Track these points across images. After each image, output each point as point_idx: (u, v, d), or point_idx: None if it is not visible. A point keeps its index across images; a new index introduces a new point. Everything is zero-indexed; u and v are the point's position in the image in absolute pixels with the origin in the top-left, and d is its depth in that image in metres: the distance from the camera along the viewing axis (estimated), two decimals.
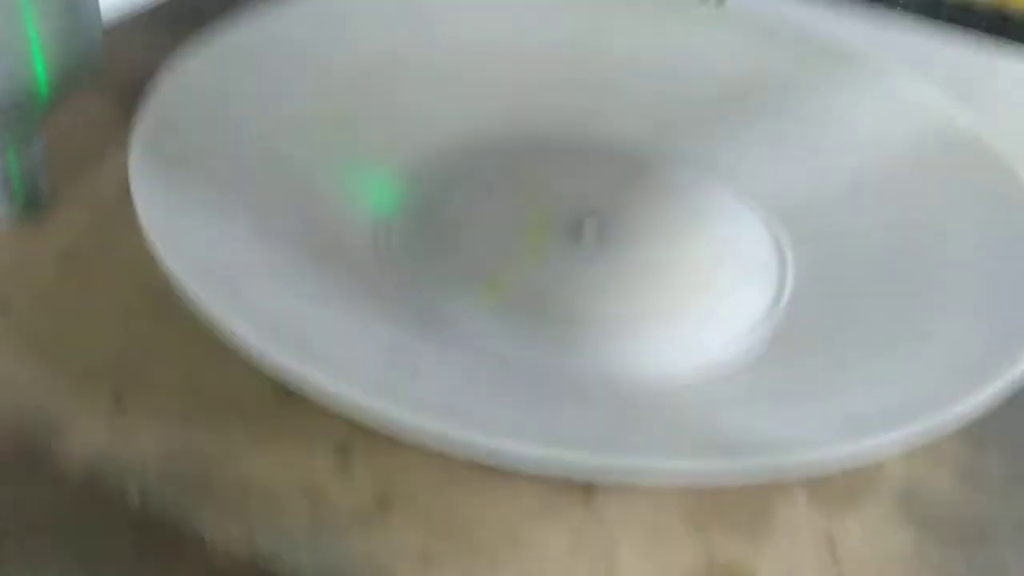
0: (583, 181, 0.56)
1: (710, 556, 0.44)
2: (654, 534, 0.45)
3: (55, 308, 0.53)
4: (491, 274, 0.51)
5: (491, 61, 0.60)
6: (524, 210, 0.54)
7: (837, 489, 0.48)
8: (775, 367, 0.48)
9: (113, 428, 0.47)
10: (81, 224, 0.58)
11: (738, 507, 0.46)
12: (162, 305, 0.53)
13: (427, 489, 0.46)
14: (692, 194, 0.57)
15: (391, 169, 0.54)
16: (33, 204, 0.57)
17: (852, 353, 0.47)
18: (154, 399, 0.48)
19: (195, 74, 0.51)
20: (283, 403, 0.48)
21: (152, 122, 0.49)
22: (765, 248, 0.53)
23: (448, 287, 0.49)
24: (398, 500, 0.45)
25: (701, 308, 0.50)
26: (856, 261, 0.51)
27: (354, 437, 0.47)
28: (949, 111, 0.55)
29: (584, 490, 0.46)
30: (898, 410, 0.43)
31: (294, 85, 0.56)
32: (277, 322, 0.41)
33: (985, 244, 0.49)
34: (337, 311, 0.45)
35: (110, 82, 0.70)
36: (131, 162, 0.47)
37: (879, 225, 0.52)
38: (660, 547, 0.44)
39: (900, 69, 0.58)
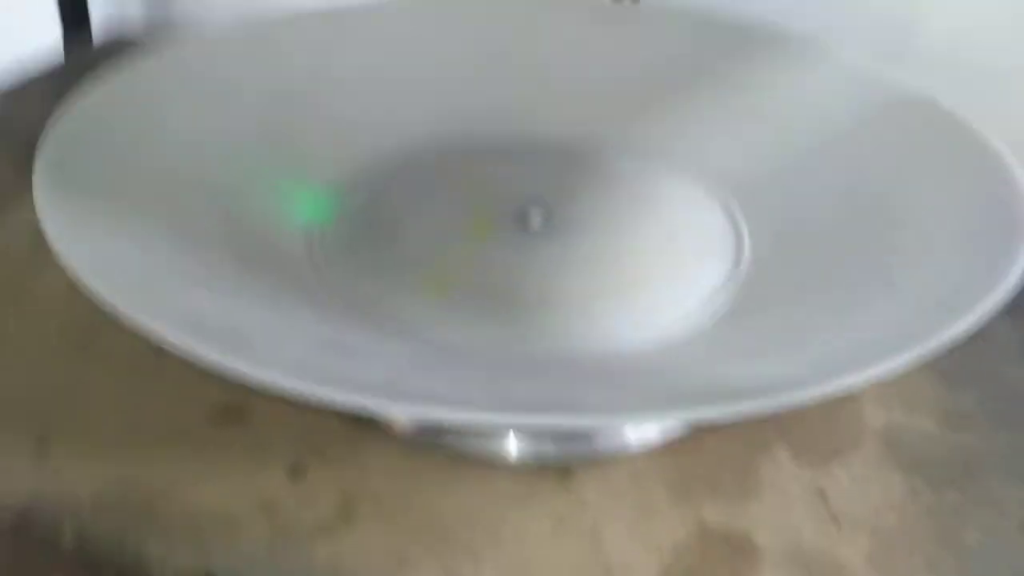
0: (523, 175, 0.55)
1: (700, 524, 0.42)
2: (639, 509, 0.42)
3: None
4: (434, 266, 0.48)
5: (415, 68, 0.58)
6: (465, 205, 0.52)
7: (820, 443, 0.46)
8: (738, 328, 0.46)
9: (39, 469, 0.43)
10: None
11: (721, 472, 0.44)
12: (82, 344, 0.50)
13: (392, 492, 0.43)
14: (637, 180, 0.56)
15: (320, 180, 0.52)
16: None
17: (817, 308, 0.46)
18: (81, 437, 0.44)
19: (99, 104, 0.48)
20: (220, 428, 0.45)
21: (56, 147, 0.46)
22: (719, 223, 0.52)
23: (388, 282, 0.47)
24: (362, 506, 0.42)
25: (658, 282, 0.49)
26: (814, 226, 0.50)
27: (306, 452, 0.44)
28: (883, 74, 0.55)
29: (560, 473, 0.44)
30: (868, 348, 0.42)
31: (211, 109, 0.53)
32: (202, 319, 0.38)
33: (941, 194, 0.49)
34: (268, 312, 0.42)
35: (5, 143, 0.68)
36: (36, 183, 0.44)
37: (834, 190, 0.51)
38: (647, 522, 0.42)
39: (821, 42, 0.58)
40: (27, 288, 0.54)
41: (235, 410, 0.46)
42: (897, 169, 0.52)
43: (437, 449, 0.44)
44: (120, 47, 0.85)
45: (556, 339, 0.45)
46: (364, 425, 0.45)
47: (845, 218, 0.50)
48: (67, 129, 0.47)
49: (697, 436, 0.46)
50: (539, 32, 0.62)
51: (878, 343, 0.41)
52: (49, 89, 0.75)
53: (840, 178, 0.52)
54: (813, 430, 0.47)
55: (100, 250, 0.42)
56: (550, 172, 0.55)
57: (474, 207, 0.52)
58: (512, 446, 0.44)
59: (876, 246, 0.48)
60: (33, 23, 0.80)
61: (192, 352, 0.34)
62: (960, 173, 0.49)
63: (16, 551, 0.41)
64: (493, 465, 0.44)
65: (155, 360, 0.49)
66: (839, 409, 0.48)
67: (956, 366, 0.50)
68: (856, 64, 0.57)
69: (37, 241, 0.56)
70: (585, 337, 0.45)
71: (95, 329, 0.51)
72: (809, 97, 0.57)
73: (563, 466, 0.44)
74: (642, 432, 0.45)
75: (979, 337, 0.40)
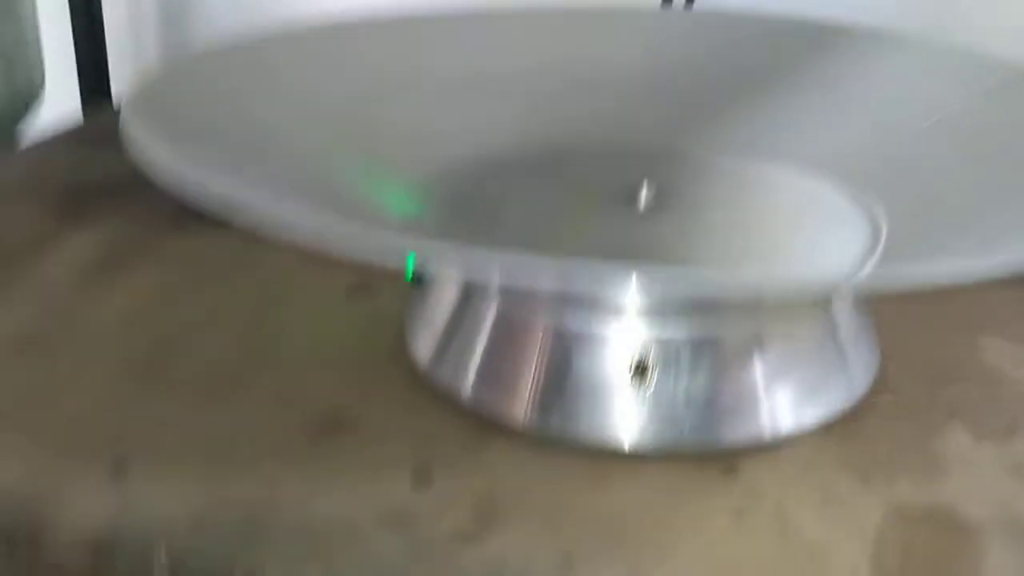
0: (622, 170, 0.50)
1: (897, 505, 0.36)
2: (822, 494, 0.37)
3: (28, 389, 0.43)
4: (539, 237, 0.44)
5: (495, 80, 0.55)
6: (566, 192, 0.48)
7: (994, 421, 0.41)
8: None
9: (118, 494, 0.36)
10: (33, 311, 0.49)
11: (900, 453, 0.39)
12: (147, 368, 0.44)
13: (533, 491, 0.36)
14: (746, 170, 0.51)
15: (407, 177, 0.48)
16: None
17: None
18: (162, 458, 0.38)
19: (175, 84, 0.44)
20: (321, 440, 0.39)
21: (137, 107, 0.41)
22: (844, 202, 0.47)
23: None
24: (501, 509, 0.36)
25: (798, 246, 0.44)
26: (947, 199, 0.45)
27: (426, 458, 0.38)
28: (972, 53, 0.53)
29: (724, 463, 0.38)
30: None
31: (291, 105, 0.49)
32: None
33: None
34: None
35: (38, 192, 0.63)
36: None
37: (954, 164, 0.47)
38: (837, 506, 0.36)
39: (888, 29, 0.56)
40: (75, 321, 0.48)
41: (335, 422, 0.40)
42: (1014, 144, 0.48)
43: (565, 442, 0.38)
44: None
45: None
46: (483, 426, 0.40)
47: (974, 185, 0.46)
48: (148, 94, 0.42)
49: (858, 419, 0.41)
50: (606, 39, 0.59)
51: None
52: (73, 145, 0.71)
53: (961, 156, 0.48)
54: (982, 410, 0.42)
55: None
56: (651, 168, 0.51)
57: (577, 192, 0.47)
58: (649, 434, 0.38)
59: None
60: (54, 87, 0.76)
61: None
62: None
63: None
64: (633, 457, 0.38)
65: (232, 382, 0.43)
66: (1005, 389, 0.43)
67: None
68: (938, 47, 0.55)
69: (86, 275, 0.51)
70: None
71: (157, 356, 0.45)
72: (904, 85, 0.54)
73: (726, 457, 0.38)
74: (800, 417, 0.40)
75: None
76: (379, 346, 0.46)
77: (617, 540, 0.34)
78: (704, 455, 0.38)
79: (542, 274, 0.32)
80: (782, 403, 0.39)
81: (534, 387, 0.40)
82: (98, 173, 0.67)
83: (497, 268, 0.35)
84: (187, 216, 0.60)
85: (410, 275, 0.45)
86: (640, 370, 0.38)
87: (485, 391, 0.41)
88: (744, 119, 0.54)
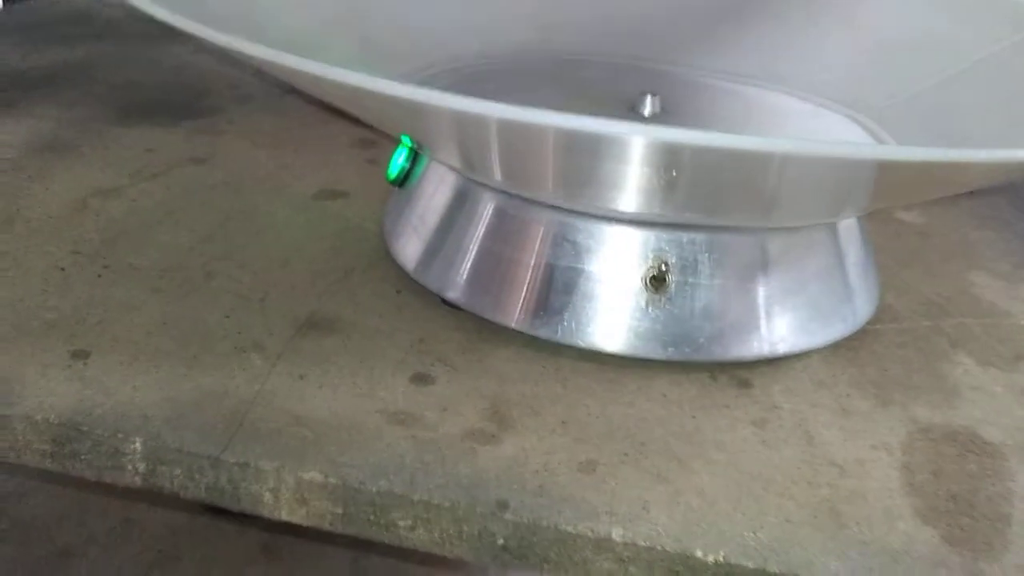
0: (626, 79, 0.48)
1: (918, 423, 0.35)
2: (841, 411, 0.35)
3: None
4: None
5: None
6: (569, 97, 0.45)
7: (997, 350, 0.40)
8: None
9: (83, 380, 0.32)
10: None
11: (910, 375, 0.38)
12: (97, 261, 0.39)
13: (546, 396, 0.34)
14: (759, 93, 0.49)
15: (409, 72, 0.44)
16: None
17: None
18: (129, 345, 0.34)
19: None
20: (302, 339, 0.36)
21: None
22: (852, 131, 0.46)
23: None
24: (515, 413, 0.33)
25: None
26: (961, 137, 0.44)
27: (427, 362, 0.35)
28: None
29: (737, 377, 0.36)
30: None
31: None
32: None
33: None
34: None
35: None
36: None
37: (981, 107, 0.46)
38: (860, 423, 0.35)
39: None
40: (23, 206, 0.43)
41: (318, 321, 0.37)
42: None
43: (569, 349, 0.36)
44: None
45: None
46: (480, 329, 0.37)
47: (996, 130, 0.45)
48: None
49: (865, 344, 0.39)
50: None
51: None
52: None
53: (984, 97, 0.47)
54: (984, 341, 0.41)
55: None
56: (655, 80, 0.49)
57: (579, 98, 0.45)
58: (662, 343, 0.36)
59: None
60: None
61: None
62: None
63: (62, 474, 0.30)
64: (642, 365, 0.36)
65: (199, 274, 0.39)
66: (1000, 323, 0.43)
67: None
68: None
69: (25, 163, 0.46)
70: None
71: (112, 245, 0.41)
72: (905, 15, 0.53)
73: (720, 367, 0.36)
74: (810, 335, 0.38)
75: None
76: (356, 248, 0.43)
77: (640, 449, 0.32)
78: (715, 368, 0.36)
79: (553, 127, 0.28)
80: (792, 320, 0.38)
81: (535, 290, 0.37)
82: (29, 63, 0.61)
83: (498, 120, 0.31)
84: (133, 109, 0.55)
85: (394, 174, 0.42)
86: (656, 279, 0.35)
87: (480, 293, 0.38)
88: (748, 42, 0.52)
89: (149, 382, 0.32)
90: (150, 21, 0.32)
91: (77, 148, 0.49)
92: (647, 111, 0.43)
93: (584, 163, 0.31)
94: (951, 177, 0.33)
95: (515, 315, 0.37)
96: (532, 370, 0.35)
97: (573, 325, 0.36)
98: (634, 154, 0.29)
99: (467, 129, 0.32)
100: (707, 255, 0.36)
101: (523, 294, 0.37)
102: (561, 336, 0.36)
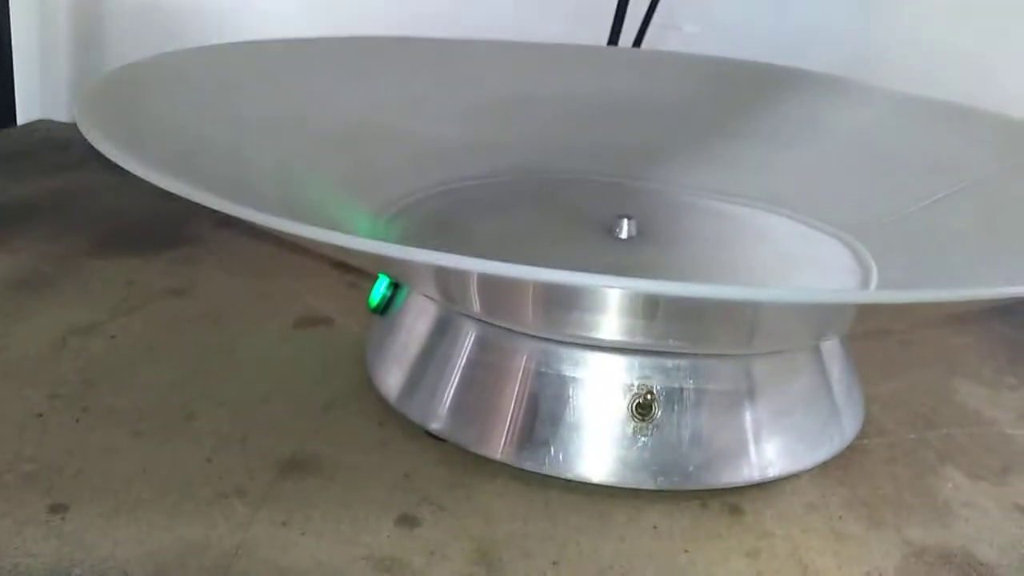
0: (604, 201, 0.49)
1: (911, 545, 0.34)
2: (833, 536, 0.35)
3: None
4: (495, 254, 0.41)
5: (450, 108, 0.53)
6: (548, 218, 0.46)
7: (984, 463, 0.40)
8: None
9: (61, 535, 0.31)
10: None
11: (900, 493, 0.37)
12: (76, 404, 0.39)
13: (536, 537, 0.33)
14: (736, 213, 0.50)
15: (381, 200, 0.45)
16: None
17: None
18: (109, 494, 0.33)
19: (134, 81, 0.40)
20: (283, 481, 0.35)
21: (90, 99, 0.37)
22: (837, 252, 0.46)
23: None
24: (505, 555, 0.32)
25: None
26: (942, 258, 0.45)
27: (412, 494, 0.35)
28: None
29: (727, 503, 0.36)
30: None
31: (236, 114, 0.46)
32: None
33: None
34: None
35: None
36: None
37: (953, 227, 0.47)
38: (851, 547, 0.34)
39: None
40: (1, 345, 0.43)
41: (299, 460, 0.36)
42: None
43: (549, 480, 0.36)
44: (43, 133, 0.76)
45: None
46: (465, 462, 0.36)
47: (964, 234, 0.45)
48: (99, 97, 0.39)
49: (853, 461, 0.39)
50: (560, 73, 0.57)
51: None
52: None
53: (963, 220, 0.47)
54: (971, 452, 0.41)
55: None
56: (626, 200, 0.50)
57: (559, 217, 0.45)
58: (650, 473, 0.36)
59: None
60: None
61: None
62: None
63: None
64: (631, 496, 0.35)
65: (179, 415, 0.39)
66: (986, 433, 0.43)
67: None
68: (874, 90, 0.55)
69: (4, 299, 0.46)
70: None
71: (89, 388, 0.40)
72: (855, 125, 0.54)
73: (710, 495, 0.36)
74: (798, 458, 0.38)
75: None
76: (338, 378, 0.42)
77: None
78: (705, 495, 0.36)
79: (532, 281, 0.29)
80: (781, 443, 0.38)
81: (519, 421, 0.37)
82: (8, 194, 0.61)
83: (480, 274, 0.32)
84: (112, 239, 0.55)
85: (375, 302, 0.42)
86: (642, 406, 0.35)
87: (464, 424, 0.38)
88: (739, 160, 0.53)
89: (130, 535, 0.32)
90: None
91: (55, 283, 0.49)
92: (623, 234, 0.44)
93: (562, 305, 0.31)
94: (916, 312, 0.34)
95: (500, 447, 0.37)
96: (520, 505, 0.35)
97: (560, 456, 0.36)
98: (610, 300, 0.29)
99: (448, 278, 0.32)
100: (692, 381, 0.36)
101: (507, 425, 0.37)
102: (548, 468, 0.36)
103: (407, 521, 0.34)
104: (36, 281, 0.49)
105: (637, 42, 0.70)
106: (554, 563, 0.32)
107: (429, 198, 0.47)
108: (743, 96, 0.57)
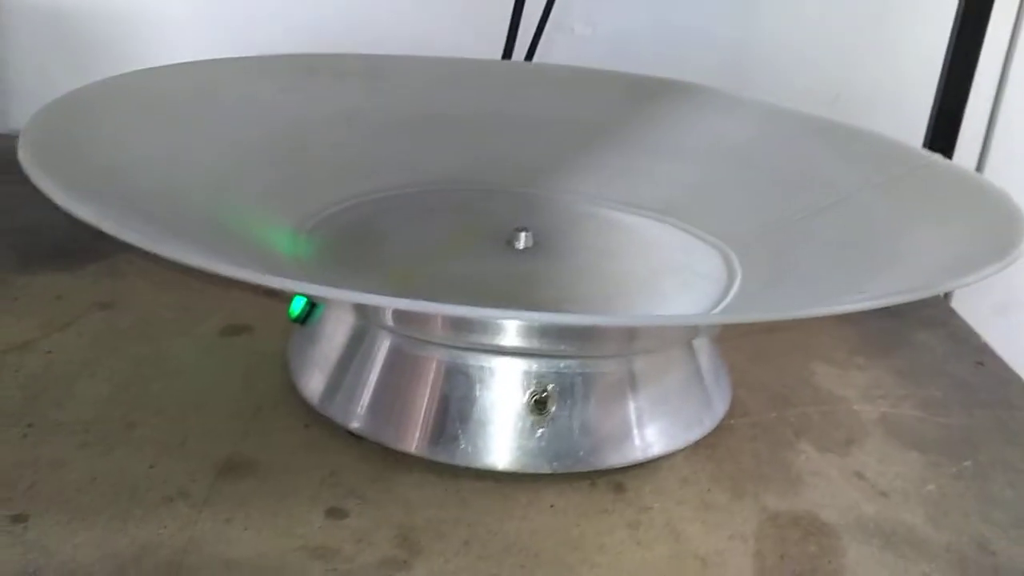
0: (506, 211, 0.54)
1: (767, 512, 0.41)
2: (704, 507, 0.41)
3: None
4: (404, 266, 0.47)
5: (380, 122, 0.57)
6: (454, 229, 0.51)
7: (834, 436, 0.47)
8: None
9: (23, 542, 0.35)
10: None
11: (759, 466, 0.44)
12: (22, 420, 0.42)
13: (450, 519, 0.38)
14: (621, 221, 0.55)
15: (294, 219, 0.49)
16: None
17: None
18: (63, 503, 0.37)
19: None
20: (221, 483, 0.39)
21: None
22: (709, 261, 0.51)
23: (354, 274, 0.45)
24: (423, 538, 0.37)
25: (641, 302, 0.49)
26: (805, 268, 0.50)
27: (342, 490, 0.39)
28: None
29: (613, 482, 0.41)
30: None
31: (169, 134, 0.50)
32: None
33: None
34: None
35: None
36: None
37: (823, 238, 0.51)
38: (718, 515, 0.40)
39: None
40: None
41: (234, 463, 0.41)
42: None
43: (465, 471, 0.41)
44: None
45: None
46: (384, 457, 0.41)
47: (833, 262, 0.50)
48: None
49: (721, 440, 0.45)
50: (456, 87, 0.62)
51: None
52: None
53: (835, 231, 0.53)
54: (822, 428, 0.48)
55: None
56: (533, 210, 0.55)
57: (459, 227, 0.50)
58: (546, 459, 0.41)
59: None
60: None
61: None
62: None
63: None
64: (532, 480, 0.41)
65: (119, 426, 0.42)
66: (836, 409, 0.49)
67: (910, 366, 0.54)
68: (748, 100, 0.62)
69: None
70: None
71: (32, 404, 0.43)
72: (722, 132, 0.60)
73: (598, 475, 0.42)
74: (673, 439, 0.44)
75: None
76: (264, 383, 0.46)
77: (535, 560, 0.37)
78: (595, 475, 0.42)
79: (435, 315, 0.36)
80: (659, 427, 0.43)
81: (432, 419, 0.42)
82: None
83: (391, 310, 0.38)
84: (35, 254, 0.58)
85: (295, 313, 0.46)
86: (539, 402, 0.41)
87: (382, 423, 0.42)
88: (611, 169, 0.59)
89: (88, 540, 0.35)
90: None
91: None
92: (520, 245, 0.49)
93: (464, 326, 0.37)
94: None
95: (415, 443, 0.41)
96: (435, 494, 0.40)
97: (469, 449, 0.41)
98: (504, 324, 0.35)
99: (365, 309, 0.37)
100: (581, 378, 0.42)
101: (421, 423, 0.42)
102: (459, 459, 0.41)
103: (336, 513, 0.38)
104: None
105: (532, 47, 0.75)
106: (466, 543, 0.37)
107: (345, 210, 0.52)
108: (642, 110, 0.62)
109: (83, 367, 0.47)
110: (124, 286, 0.55)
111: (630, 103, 0.63)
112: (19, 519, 0.36)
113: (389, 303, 0.35)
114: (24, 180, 0.65)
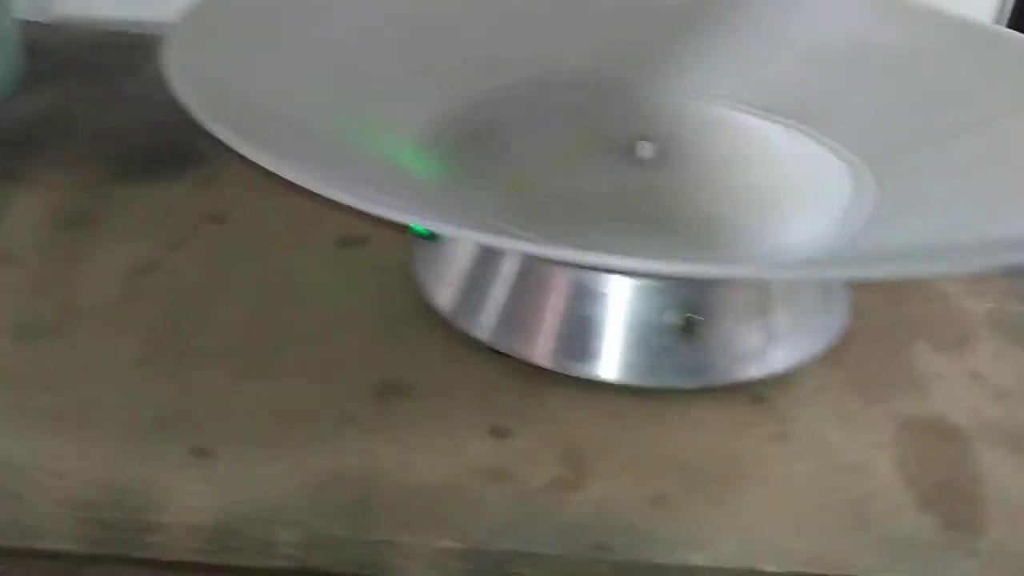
0: (630, 115, 0.53)
1: (900, 417, 0.43)
2: (841, 416, 0.42)
3: (53, 377, 0.41)
4: (524, 174, 0.47)
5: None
6: (569, 133, 0.50)
7: (948, 335, 0.48)
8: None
9: (211, 479, 0.36)
10: (23, 293, 0.46)
11: (883, 371, 0.45)
12: (173, 347, 0.43)
13: (612, 438, 0.40)
14: (750, 127, 0.54)
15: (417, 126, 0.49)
16: None
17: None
18: (240, 435, 0.38)
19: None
20: (382, 408, 0.41)
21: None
22: (838, 169, 0.50)
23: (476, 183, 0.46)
24: (589, 458, 0.39)
25: (778, 213, 0.48)
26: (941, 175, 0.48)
27: (496, 407, 0.41)
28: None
29: (751, 395, 0.43)
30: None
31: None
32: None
33: None
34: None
35: None
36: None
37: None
38: (856, 423, 0.42)
39: None
40: (75, 296, 0.46)
41: (390, 386, 0.42)
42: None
43: (603, 386, 0.42)
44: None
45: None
46: (529, 376, 0.42)
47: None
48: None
49: (841, 344, 0.47)
50: None
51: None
52: None
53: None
54: (935, 326, 0.49)
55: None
56: (657, 112, 0.54)
57: (580, 133, 0.50)
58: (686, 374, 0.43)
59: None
60: None
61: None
62: None
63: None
64: (670, 394, 0.42)
65: (269, 353, 0.43)
66: (947, 308, 0.51)
67: None
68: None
69: (53, 244, 0.48)
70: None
71: (177, 330, 0.44)
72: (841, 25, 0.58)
73: (755, 389, 0.43)
74: (804, 350, 0.45)
75: None
76: (395, 301, 0.47)
77: (700, 477, 0.39)
78: (733, 388, 0.43)
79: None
80: (791, 338, 0.45)
81: (573, 335, 0.43)
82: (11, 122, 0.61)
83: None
84: (129, 163, 0.57)
85: (428, 232, 0.46)
86: (688, 325, 0.42)
87: (522, 339, 0.44)
88: (747, 69, 0.57)
89: (276, 474, 0.37)
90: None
91: (96, 218, 0.51)
92: (643, 154, 0.49)
93: None
94: None
95: (557, 357, 0.43)
96: (590, 412, 0.41)
97: (611, 365, 0.42)
98: None
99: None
100: (717, 297, 0.43)
101: (561, 338, 0.43)
102: (603, 374, 0.42)
103: (499, 432, 0.40)
104: (77, 218, 0.51)
105: None
106: (630, 459, 0.39)
107: (467, 113, 0.51)
108: (787, 6, 0.59)
109: (213, 289, 0.47)
110: (229, 196, 0.54)
111: None
112: (202, 452, 0.38)
113: (568, 256, 0.36)
114: (88, 81, 0.64)
